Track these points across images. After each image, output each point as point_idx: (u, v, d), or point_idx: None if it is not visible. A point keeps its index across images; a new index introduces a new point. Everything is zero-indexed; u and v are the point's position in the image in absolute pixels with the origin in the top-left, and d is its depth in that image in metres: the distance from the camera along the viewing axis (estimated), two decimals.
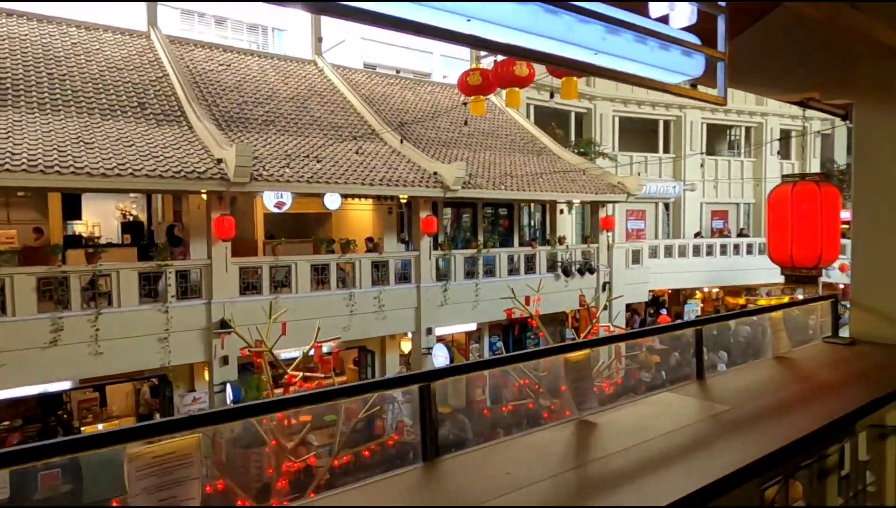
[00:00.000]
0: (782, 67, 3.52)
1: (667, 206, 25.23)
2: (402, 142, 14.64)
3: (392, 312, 13.49)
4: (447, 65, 23.39)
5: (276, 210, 12.08)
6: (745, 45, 3.08)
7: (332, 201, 12.35)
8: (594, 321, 12.42)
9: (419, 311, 13.88)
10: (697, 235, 24.17)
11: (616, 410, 2.42)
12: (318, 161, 12.24)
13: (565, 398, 2.44)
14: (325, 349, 10.58)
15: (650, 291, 23.92)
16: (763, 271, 23.93)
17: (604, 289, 17.77)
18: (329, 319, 12.30)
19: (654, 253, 22.16)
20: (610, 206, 21.62)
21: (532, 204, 18.78)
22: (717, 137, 27.01)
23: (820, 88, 3.69)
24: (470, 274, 14.94)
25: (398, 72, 22.33)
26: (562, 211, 18.90)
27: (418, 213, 13.84)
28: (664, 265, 21.76)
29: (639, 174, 23.18)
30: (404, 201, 14.22)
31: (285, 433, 8.40)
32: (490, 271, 15.42)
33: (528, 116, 21.14)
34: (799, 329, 4.21)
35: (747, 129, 26.83)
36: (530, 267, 16.12)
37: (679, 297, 25.53)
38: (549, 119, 22.97)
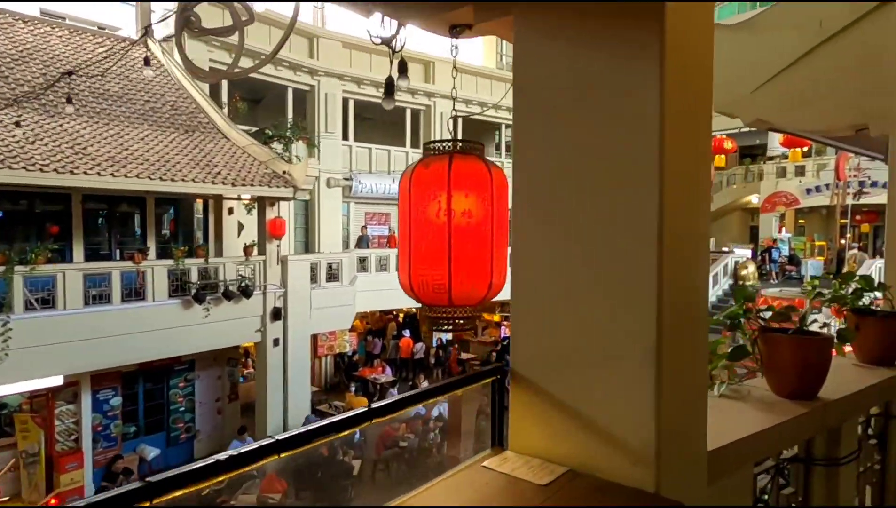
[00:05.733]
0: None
1: None
2: None
3: None
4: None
5: None
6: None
7: None
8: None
9: None
10: None
11: None
12: None
13: None
14: None
15: (373, 312, 20.20)
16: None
17: (276, 317, 13.20)
18: None
19: (383, 266, 18.31)
20: (324, 206, 17.39)
21: (197, 201, 13.69)
22: (482, 135, 24.08)
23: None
24: None
25: (103, 28, 16.65)
26: (231, 211, 14.02)
27: None
28: (390, 281, 17.91)
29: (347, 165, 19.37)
30: None
31: None
32: (47, 301, 9.99)
33: (217, 87, 15.97)
34: None
35: (508, 126, 24.34)
36: (134, 292, 10.96)
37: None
38: (260, 95, 18.09)
